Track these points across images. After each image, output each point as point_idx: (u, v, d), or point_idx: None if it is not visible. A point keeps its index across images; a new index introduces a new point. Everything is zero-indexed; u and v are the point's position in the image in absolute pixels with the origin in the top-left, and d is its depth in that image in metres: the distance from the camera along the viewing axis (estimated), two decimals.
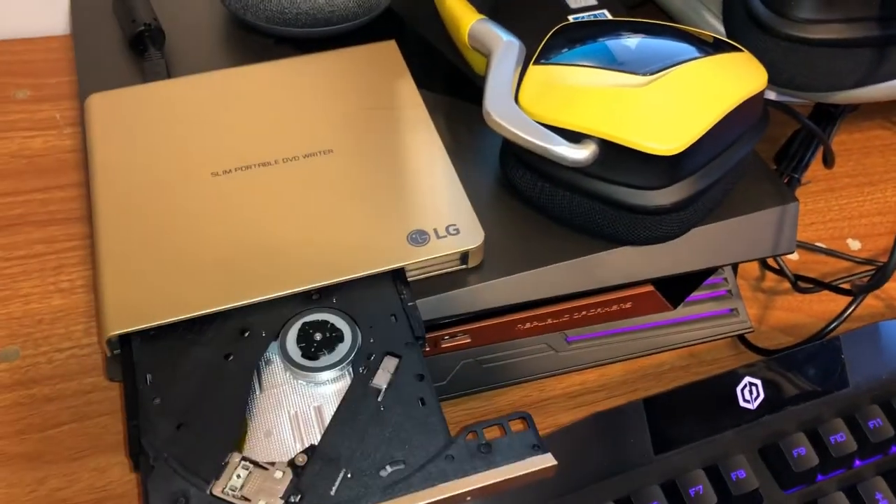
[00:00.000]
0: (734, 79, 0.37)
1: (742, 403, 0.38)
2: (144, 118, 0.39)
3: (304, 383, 0.32)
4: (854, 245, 0.52)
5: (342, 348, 0.32)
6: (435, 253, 0.35)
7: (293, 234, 0.35)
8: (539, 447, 0.29)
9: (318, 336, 0.33)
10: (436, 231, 0.35)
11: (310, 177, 0.37)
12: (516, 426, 0.30)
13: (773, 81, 0.44)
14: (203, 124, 0.39)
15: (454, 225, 0.36)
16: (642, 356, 0.44)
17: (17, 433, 0.38)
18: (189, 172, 0.37)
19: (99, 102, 0.40)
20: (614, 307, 0.41)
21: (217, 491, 0.28)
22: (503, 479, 0.28)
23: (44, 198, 0.48)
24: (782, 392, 0.38)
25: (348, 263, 0.34)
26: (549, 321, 0.40)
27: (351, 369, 0.32)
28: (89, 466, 0.37)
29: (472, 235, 0.35)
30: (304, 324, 0.33)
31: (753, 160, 0.41)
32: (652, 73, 0.35)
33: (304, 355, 0.32)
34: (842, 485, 0.37)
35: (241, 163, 0.38)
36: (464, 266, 0.36)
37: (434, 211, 0.36)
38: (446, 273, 0.36)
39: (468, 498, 0.29)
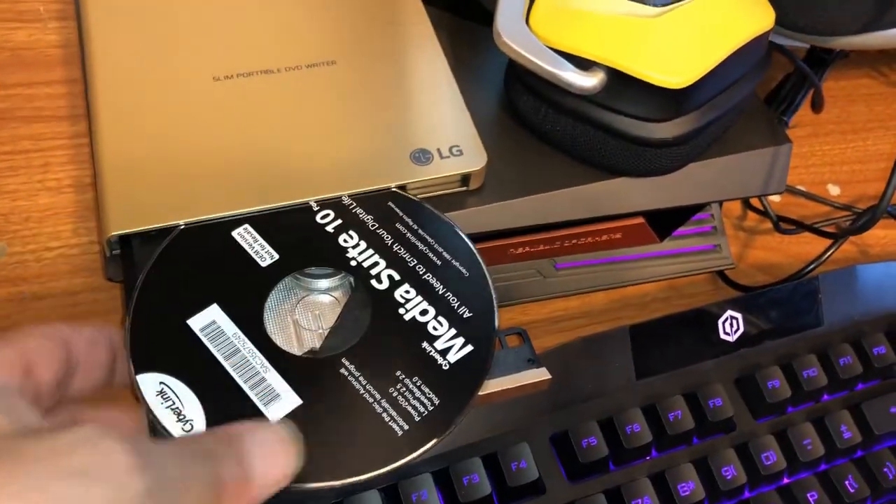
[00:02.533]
0: (744, 16, 0.37)
1: (722, 335, 0.39)
2: (145, 16, 0.38)
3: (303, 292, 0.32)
4: (834, 190, 0.53)
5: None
6: (437, 173, 0.35)
7: (295, 145, 0.35)
8: (534, 361, 0.30)
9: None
10: (439, 151, 0.35)
11: (312, 88, 0.37)
12: (512, 341, 0.30)
13: (778, 22, 0.44)
14: (206, 26, 0.38)
15: (458, 146, 0.36)
16: (626, 286, 0.45)
17: (5, 330, 0.38)
18: (190, 75, 0.36)
19: None
20: (604, 237, 0.42)
21: None
22: (499, 389, 0.29)
23: (29, 93, 0.46)
24: (761, 327, 0.40)
25: (350, 178, 0.34)
26: (542, 247, 0.41)
27: (351, 279, 0.32)
28: None
29: (475, 158, 0.36)
30: None
31: (752, 99, 0.41)
32: (664, 5, 0.35)
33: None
34: (810, 416, 0.39)
35: (244, 69, 0.37)
36: (464, 188, 0.36)
37: (437, 131, 0.36)
38: (445, 194, 0.36)
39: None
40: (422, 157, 0.35)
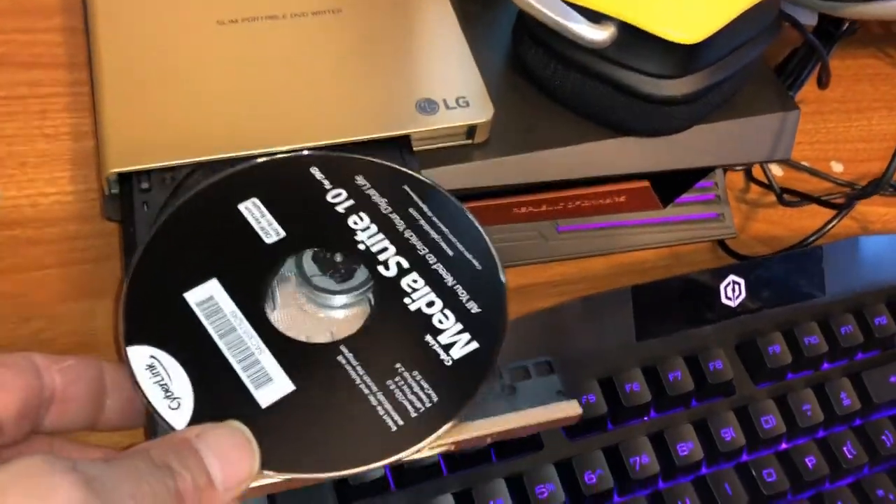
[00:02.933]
0: None
1: (724, 300, 0.39)
2: None
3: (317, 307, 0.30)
4: (837, 168, 0.53)
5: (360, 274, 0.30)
6: (443, 123, 0.34)
7: (299, 90, 0.34)
8: (563, 393, 0.28)
9: (337, 257, 0.30)
10: (445, 102, 0.35)
11: (318, 34, 0.36)
12: (541, 370, 0.29)
13: None
14: None
15: (464, 97, 0.35)
16: (627, 251, 0.44)
17: (1, 272, 0.37)
18: (195, 18, 0.36)
19: None
20: (608, 200, 0.41)
21: None
22: (528, 423, 0.27)
23: (27, 39, 0.45)
24: (763, 293, 0.40)
25: (355, 125, 0.34)
26: (545, 207, 0.41)
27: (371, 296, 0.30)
28: (74, 311, 0.37)
29: (481, 109, 0.35)
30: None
31: (760, 65, 0.41)
32: None
33: (322, 275, 0.30)
34: (810, 384, 0.38)
35: (249, 13, 0.36)
36: (469, 141, 0.36)
37: (444, 81, 0.36)
38: (450, 147, 0.36)
39: (489, 440, 0.28)
40: (427, 106, 0.35)
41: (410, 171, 0.32)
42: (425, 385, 0.27)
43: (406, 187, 0.32)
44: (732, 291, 0.39)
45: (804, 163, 0.52)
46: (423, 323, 0.28)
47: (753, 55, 0.37)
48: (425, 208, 0.31)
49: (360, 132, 0.33)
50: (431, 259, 0.30)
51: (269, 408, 0.26)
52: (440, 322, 0.29)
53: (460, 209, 0.31)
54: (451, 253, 0.30)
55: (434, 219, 0.31)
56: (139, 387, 0.26)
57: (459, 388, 0.27)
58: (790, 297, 0.40)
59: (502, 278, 0.30)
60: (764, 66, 0.41)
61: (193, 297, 0.28)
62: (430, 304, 0.29)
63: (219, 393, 0.26)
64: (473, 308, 0.29)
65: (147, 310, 0.27)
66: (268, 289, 0.29)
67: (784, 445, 0.37)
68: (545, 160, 0.37)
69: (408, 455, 0.26)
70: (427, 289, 0.29)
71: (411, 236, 0.30)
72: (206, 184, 0.31)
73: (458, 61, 0.36)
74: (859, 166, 0.53)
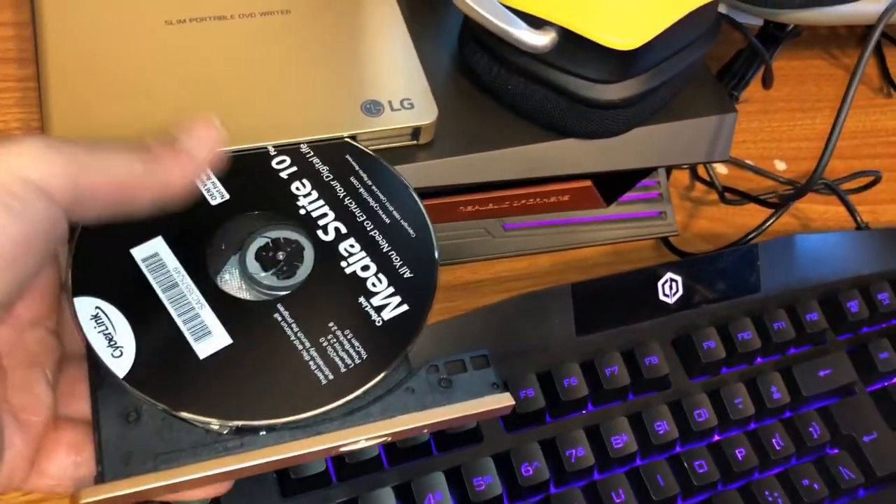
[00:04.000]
0: None
1: (661, 297, 0.40)
2: None
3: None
4: (780, 166, 0.54)
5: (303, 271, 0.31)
6: (388, 125, 0.35)
7: (246, 91, 0.35)
8: (498, 385, 0.29)
9: (280, 255, 0.31)
10: (390, 103, 0.36)
11: (265, 36, 0.37)
12: (477, 363, 0.30)
13: None
14: None
15: (409, 99, 0.36)
16: (571, 249, 0.46)
17: None
18: (142, 17, 0.36)
19: None
20: (553, 199, 0.42)
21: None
22: (462, 414, 0.29)
23: None
24: (699, 290, 0.41)
25: (301, 126, 0.34)
26: (490, 206, 0.42)
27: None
28: None
29: (426, 111, 0.36)
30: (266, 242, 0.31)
31: (700, 68, 0.42)
32: None
33: (264, 270, 0.31)
34: (743, 378, 0.40)
35: (197, 13, 0.37)
36: (414, 142, 0.37)
37: (390, 83, 0.36)
38: (395, 147, 0.37)
39: (425, 431, 0.29)
40: (373, 108, 0.35)
41: (353, 142, 0.34)
42: (356, 343, 0.29)
43: (348, 157, 0.34)
44: (670, 288, 0.41)
45: (748, 161, 0.53)
46: (358, 285, 0.30)
47: (692, 59, 0.38)
48: (365, 177, 0.33)
49: (307, 132, 0.34)
50: (369, 225, 0.32)
51: (206, 359, 0.28)
52: (373, 285, 0.30)
53: (399, 180, 0.33)
54: (387, 220, 0.32)
55: (373, 187, 0.33)
56: (84, 334, 0.27)
57: (388, 347, 0.29)
58: (726, 294, 0.42)
59: (435, 245, 0.32)
60: (704, 68, 0.42)
61: (139, 253, 0.29)
62: (365, 269, 0.31)
63: (160, 344, 0.28)
64: (406, 273, 0.31)
65: (94, 264, 0.29)
66: (210, 247, 0.30)
67: (716, 437, 0.39)
68: (489, 161, 0.38)
69: (336, 408, 0.28)
70: (363, 253, 0.31)
71: (351, 203, 0.32)
72: None
73: (403, 63, 0.37)
74: (802, 164, 0.55)
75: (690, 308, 0.41)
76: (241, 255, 0.31)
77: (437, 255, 0.32)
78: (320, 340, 0.29)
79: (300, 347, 0.29)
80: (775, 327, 0.41)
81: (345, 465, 0.33)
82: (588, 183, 0.42)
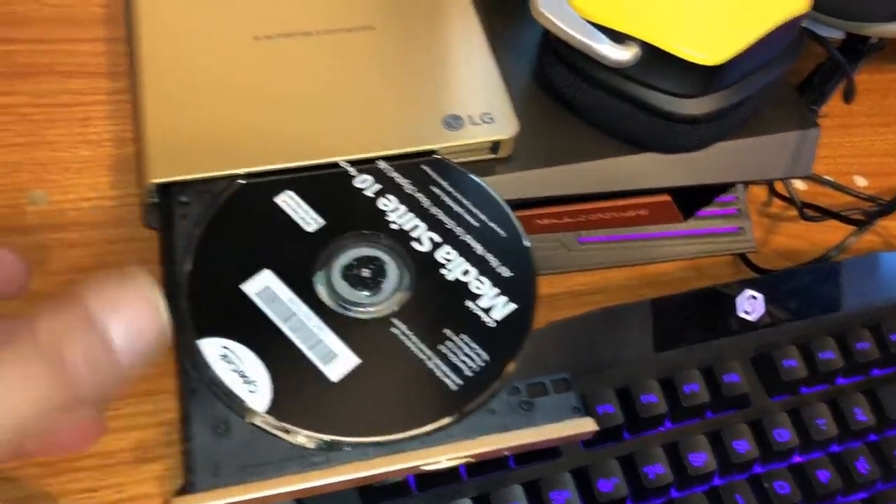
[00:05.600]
0: None
1: (741, 314, 0.40)
2: None
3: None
4: (861, 182, 0.53)
5: (387, 286, 0.31)
6: (468, 139, 0.36)
7: (330, 105, 0.36)
8: (579, 409, 0.29)
9: (365, 272, 0.32)
10: (470, 117, 0.36)
11: (349, 51, 0.38)
12: (558, 386, 0.30)
13: (814, 7, 0.45)
14: None
15: (489, 113, 0.36)
16: (647, 264, 0.45)
17: (44, 273, 0.39)
18: (232, 33, 0.37)
19: None
20: (630, 213, 0.42)
21: (257, 420, 0.28)
22: (543, 438, 0.29)
23: (71, 49, 0.47)
24: (780, 307, 0.40)
25: (383, 140, 0.35)
26: (566, 219, 0.42)
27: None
28: None
29: (506, 125, 0.36)
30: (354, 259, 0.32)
31: (782, 83, 0.41)
32: None
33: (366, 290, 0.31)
34: (824, 398, 0.39)
35: (284, 29, 0.38)
36: (493, 156, 0.37)
37: (470, 97, 0.37)
38: (474, 161, 0.37)
39: (505, 453, 0.29)
40: (453, 122, 0.36)
41: (425, 151, 0.35)
42: (475, 346, 0.30)
43: (424, 167, 0.34)
44: (750, 305, 0.40)
45: (828, 177, 0.52)
46: (463, 290, 0.31)
47: (775, 75, 0.38)
48: (445, 184, 0.34)
49: (389, 147, 0.35)
50: (459, 231, 0.33)
51: (340, 381, 0.29)
52: (477, 288, 0.31)
53: (477, 182, 0.34)
54: (475, 224, 0.33)
55: (455, 193, 0.34)
56: (216, 376, 0.28)
57: (505, 346, 0.30)
58: (807, 312, 0.41)
59: (526, 243, 0.33)
60: (786, 83, 0.42)
61: (251, 287, 0.30)
62: (466, 273, 0.32)
63: (292, 373, 0.28)
64: (505, 272, 0.32)
65: (210, 304, 0.30)
66: (316, 272, 0.31)
67: (797, 459, 0.38)
68: (568, 174, 0.38)
69: (470, 411, 0.29)
70: (460, 259, 0.32)
71: (437, 212, 0.33)
72: (242, 183, 0.33)
73: (484, 77, 0.38)
74: (884, 180, 0.54)
75: (770, 325, 0.40)
76: (346, 276, 0.31)
77: (529, 250, 0.33)
78: (440, 348, 0.30)
79: (423, 357, 0.29)
80: (858, 347, 0.40)
81: (424, 476, 0.33)
82: (667, 197, 0.42)
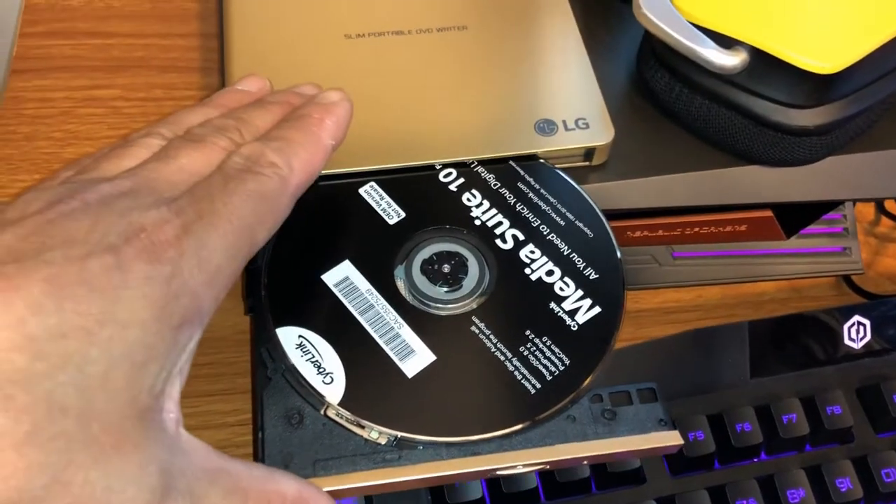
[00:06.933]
0: None
1: (847, 341, 0.37)
2: None
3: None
4: None
5: (467, 283, 0.30)
6: (562, 145, 0.34)
7: (422, 107, 0.35)
8: (665, 422, 0.28)
9: (445, 268, 0.31)
10: (564, 123, 0.35)
11: (442, 51, 0.37)
12: (644, 396, 0.28)
13: None
14: None
15: (584, 119, 0.35)
16: (744, 282, 0.43)
17: None
18: (323, 32, 0.37)
19: None
20: (728, 228, 0.40)
21: (331, 413, 0.27)
22: (625, 450, 0.27)
23: (165, 44, 0.48)
24: (890, 335, 0.38)
25: (474, 144, 0.34)
26: (661, 233, 0.40)
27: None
28: None
29: (601, 132, 0.35)
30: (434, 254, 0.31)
31: None
32: None
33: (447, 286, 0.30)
34: None
35: (375, 28, 0.37)
36: (587, 163, 0.35)
37: (564, 102, 0.35)
38: (567, 168, 0.35)
39: (584, 462, 0.28)
40: (546, 127, 0.34)
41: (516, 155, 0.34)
42: (556, 350, 0.29)
43: (511, 163, 0.33)
44: (857, 332, 0.37)
45: None
46: (546, 291, 0.30)
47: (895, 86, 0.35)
48: (532, 181, 0.33)
49: (480, 151, 0.34)
50: (545, 230, 0.32)
51: (414, 377, 0.28)
52: (561, 290, 0.30)
53: (566, 180, 0.33)
54: (562, 223, 0.32)
55: (542, 191, 0.33)
56: (292, 364, 0.27)
57: (588, 351, 0.29)
58: None
59: (615, 244, 0.31)
60: None
61: (330, 278, 0.30)
62: (550, 273, 0.30)
63: (367, 367, 0.28)
64: (591, 275, 0.31)
65: (289, 294, 0.29)
66: (397, 266, 0.30)
67: None
68: (665, 185, 0.36)
69: (547, 416, 0.27)
70: (545, 258, 0.31)
71: (523, 209, 0.32)
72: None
73: (579, 82, 0.36)
74: None
75: (879, 355, 0.37)
76: (426, 271, 0.31)
77: (618, 251, 0.31)
78: (520, 349, 0.28)
79: (502, 358, 0.28)
80: None
81: (501, 495, 0.32)
82: (769, 213, 0.39)
